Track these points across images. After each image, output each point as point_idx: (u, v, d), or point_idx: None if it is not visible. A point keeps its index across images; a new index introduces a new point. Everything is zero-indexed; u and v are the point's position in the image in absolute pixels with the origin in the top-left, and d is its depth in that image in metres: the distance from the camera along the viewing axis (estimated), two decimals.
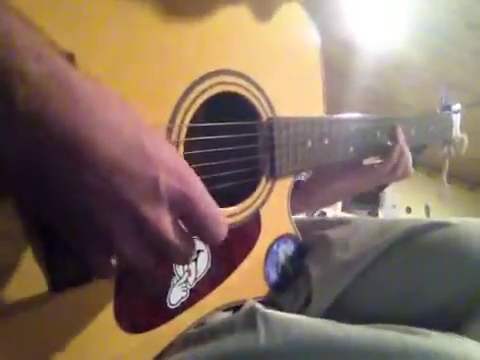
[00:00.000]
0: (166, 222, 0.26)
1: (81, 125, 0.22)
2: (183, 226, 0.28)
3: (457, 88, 1.99)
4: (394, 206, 2.96)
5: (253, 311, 0.41)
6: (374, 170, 0.64)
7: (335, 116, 0.55)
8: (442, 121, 0.79)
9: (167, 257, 0.28)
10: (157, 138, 0.27)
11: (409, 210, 3.03)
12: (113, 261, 0.28)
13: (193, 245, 0.29)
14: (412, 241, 0.44)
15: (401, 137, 0.63)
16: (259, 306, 0.42)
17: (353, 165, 0.64)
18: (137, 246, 0.26)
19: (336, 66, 1.98)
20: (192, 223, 0.28)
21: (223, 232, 0.29)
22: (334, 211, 2.70)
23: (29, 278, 0.29)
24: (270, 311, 0.41)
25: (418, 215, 2.99)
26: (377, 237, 0.48)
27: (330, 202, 0.75)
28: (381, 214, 2.92)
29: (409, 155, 0.64)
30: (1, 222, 0.27)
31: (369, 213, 2.85)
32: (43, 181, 0.22)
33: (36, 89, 0.21)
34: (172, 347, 0.41)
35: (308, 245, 0.56)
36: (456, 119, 0.80)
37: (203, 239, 0.29)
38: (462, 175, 2.96)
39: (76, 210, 0.24)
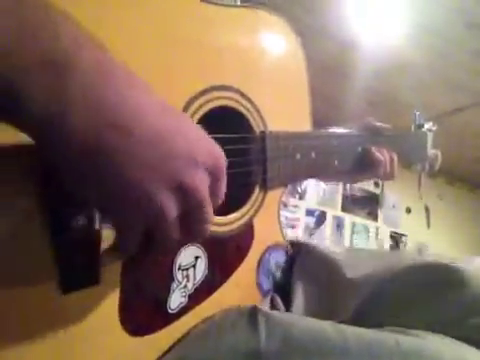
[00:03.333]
0: (206, 189, 0.29)
1: (139, 97, 0.25)
2: None
3: (457, 88, 1.99)
4: (394, 206, 2.96)
5: (255, 311, 0.41)
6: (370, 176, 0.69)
7: (321, 131, 0.59)
8: (418, 138, 0.85)
9: (196, 226, 0.30)
10: (188, 117, 0.31)
11: (409, 210, 3.03)
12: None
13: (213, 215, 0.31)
14: (427, 277, 0.43)
15: (378, 157, 0.66)
16: (261, 307, 0.42)
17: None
18: (177, 211, 0.28)
19: (336, 66, 1.98)
20: (213, 194, 0.30)
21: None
22: (334, 211, 2.70)
23: (39, 279, 0.30)
24: (271, 312, 0.41)
25: (418, 215, 2.99)
26: (380, 263, 0.48)
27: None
28: (381, 214, 2.93)
29: (392, 158, 0.68)
30: (13, 223, 0.28)
31: (369, 213, 2.86)
32: (100, 162, 0.24)
33: (90, 77, 0.22)
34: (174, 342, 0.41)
35: (296, 257, 0.57)
36: (430, 137, 0.86)
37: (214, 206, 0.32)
38: (462, 177, 2.96)
39: (126, 182, 0.25)
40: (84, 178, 0.25)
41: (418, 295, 0.43)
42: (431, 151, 0.86)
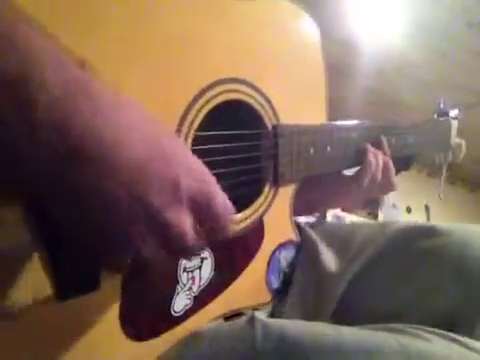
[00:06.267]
0: (187, 225, 0.27)
1: (104, 130, 0.23)
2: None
3: (457, 88, 1.99)
4: (394, 206, 2.96)
5: (253, 318, 0.42)
6: (354, 181, 0.61)
7: (337, 123, 0.55)
8: (440, 127, 0.79)
9: (180, 254, 0.29)
10: (175, 140, 0.28)
11: (409, 210, 3.03)
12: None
13: (204, 243, 0.30)
14: (406, 248, 0.45)
15: (371, 149, 0.60)
16: (259, 315, 0.42)
17: (333, 175, 0.63)
18: (154, 246, 0.26)
19: (336, 66, 1.98)
20: (207, 220, 0.29)
21: (228, 231, 0.31)
22: (334, 211, 2.70)
23: (36, 287, 0.29)
24: (269, 320, 0.42)
25: (418, 215, 2.99)
26: (369, 242, 0.49)
27: (306, 212, 0.73)
28: (381, 214, 2.92)
29: (390, 166, 0.61)
30: (9, 231, 0.27)
31: (369, 213, 2.85)
32: (66, 186, 0.22)
33: (58, 97, 0.21)
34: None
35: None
36: (454, 125, 0.81)
37: (214, 235, 0.30)
38: (463, 176, 2.96)
39: (96, 213, 0.24)
40: (51, 202, 0.23)
41: (394, 274, 0.45)
42: (455, 140, 0.81)
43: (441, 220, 2.90)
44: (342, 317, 0.45)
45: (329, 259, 0.51)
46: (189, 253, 0.29)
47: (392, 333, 0.37)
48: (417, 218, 2.98)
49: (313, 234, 0.59)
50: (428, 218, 3.02)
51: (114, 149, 0.23)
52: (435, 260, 0.42)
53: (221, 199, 0.29)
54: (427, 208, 2.94)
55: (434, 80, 1.99)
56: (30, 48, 0.21)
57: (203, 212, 0.28)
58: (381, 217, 2.95)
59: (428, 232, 0.45)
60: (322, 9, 1.68)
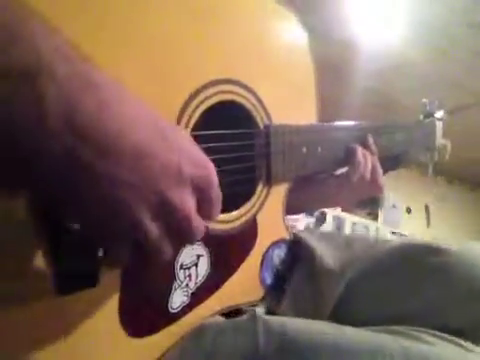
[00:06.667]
0: (190, 207, 0.27)
1: (110, 122, 0.23)
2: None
3: (457, 88, 1.99)
4: (394, 206, 2.96)
5: (254, 316, 0.42)
6: (343, 181, 0.62)
7: (327, 124, 0.56)
8: (426, 128, 0.82)
9: (183, 240, 0.30)
10: (175, 128, 0.29)
11: (409, 210, 3.03)
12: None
13: (204, 227, 0.30)
14: (415, 261, 0.45)
15: (360, 149, 0.60)
16: (260, 313, 0.43)
17: (323, 175, 0.63)
18: (160, 230, 0.27)
19: (336, 66, 1.98)
20: (205, 205, 0.29)
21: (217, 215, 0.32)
22: (334, 211, 2.70)
23: (36, 282, 0.29)
24: (270, 317, 0.42)
25: (418, 215, 2.99)
26: (369, 249, 0.49)
27: (295, 211, 0.72)
28: (381, 214, 2.92)
29: (377, 168, 0.62)
30: (11, 226, 0.27)
31: (369, 213, 2.86)
32: (75, 175, 0.23)
33: (66, 89, 0.22)
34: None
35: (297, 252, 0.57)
36: (439, 126, 0.83)
37: (208, 218, 0.31)
38: (463, 176, 2.96)
39: (104, 201, 0.24)
40: (59, 194, 0.24)
41: (401, 282, 0.45)
42: (440, 141, 0.83)
43: (441, 220, 2.90)
44: (340, 317, 0.45)
45: (328, 257, 0.52)
46: (192, 238, 0.29)
47: (394, 335, 0.37)
48: (417, 218, 2.98)
49: (309, 236, 0.59)
50: (428, 218, 3.02)
51: (119, 139, 0.23)
52: (444, 278, 0.42)
53: (217, 186, 0.30)
54: (427, 208, 2.94)
55: (435, 80, 1.99)
56: (38, 41, 0.21)
57: (203, 197, 0.29)
58: (381, 217, 2.96)
59: (437, 250, 0.44)
60: (322, 9, 1.69)
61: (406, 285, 0.45)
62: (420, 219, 2.97)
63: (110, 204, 0.24)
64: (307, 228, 2.53)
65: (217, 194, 0.30)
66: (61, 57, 0.22)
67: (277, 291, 0.53)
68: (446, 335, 0.37)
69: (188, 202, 0.27)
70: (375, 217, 2.92)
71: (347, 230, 2.77)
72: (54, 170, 0.22)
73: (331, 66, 1.96)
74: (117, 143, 0.23)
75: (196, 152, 0.29)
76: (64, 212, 0.26)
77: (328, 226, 2.66)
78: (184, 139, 0.29)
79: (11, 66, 0.20)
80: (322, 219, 2.60)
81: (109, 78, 0.25)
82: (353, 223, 2.80)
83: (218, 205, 0.30)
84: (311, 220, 2.57)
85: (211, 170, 0.29)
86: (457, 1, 1.54)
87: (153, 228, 0.26)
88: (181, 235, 0.28)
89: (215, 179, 0.29)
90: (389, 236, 2.93)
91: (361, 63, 1.96)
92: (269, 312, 0.51)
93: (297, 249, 0.57)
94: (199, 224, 0.29)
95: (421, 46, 1.83)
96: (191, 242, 0.30)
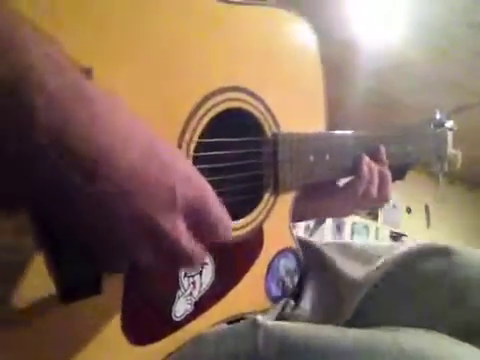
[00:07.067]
0: (181, 232, 0.26)
1: (101, 136, 0.22)
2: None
3: (457, 88, 1.99)
4: (394, 206, 2.96)
5: (255, 321, 0.42)
6: (350, 190, 0.60)
7: (336, 132, 0.56)
8: (438, 138, 0.82)
9: (179, 264, 0.29)
10: (169, 147, 0.28)
11: (409, 210, 3.03)
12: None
13: (203, 250, 0.29)
14: (412, 269, 0.44)
15: (365, 159, 0.58)
16: (261, 320, 0.43)
17: (329, 184, 0.62)
18: (151, 254, 0.26)
19: (336, 66, 1.98)
20: (204, 228, 0.29)
21: (230, 235, 0.30)
22: None
23: (39, 289, 0.29)
24: (270, 322, 0.42)
25: (418, 215, 3.00)
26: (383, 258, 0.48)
27: (299, 219, 0.71)
28: (381, 214, 2.93)
29: (387, 179, 0.60)
30: (13, 235, 0.27)
31: (369, 213, 2.86)
32: (63, 192, 0.22)
33: (56, 101, 0.21)
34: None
35: (307, 262, 0.56)
36: (450, 136, 0.83)
37: (210, 238, 0.30)
38: (462, 176, 2.97)
39: (92, 220, 0.24)
40: (49, 209, 0.23)
41: (407, 289, 0.45)
42: (451, 151, 0.83)
43: (441, 219, 2.91)
44: (356, 326, 0.45)
45: (347, 266, 0.50)
46: (189, 261, 0.28)
47: (389, 332, 0.37)
48: (417, 218, 2.99)
49: (320, 245, 0.58)
50: (428, 218, 3.03)
51: (110, 154, 0.22)
52: (436, 283, 0.42)
53: (217, 206, 0.29)
54: (427, 208, 2.95)
55: (435, 80, 1.99)
56: (29, 51, 0.20)
57: (200, 219, 0.28)
58: (381, 217, 2.96)
59: (433, 252, 0.44)
60: (322, 9, 1.69)
61: (401, 297, 0.44)
62: (420, 219, 2.98)
63: (100, 222, 0.23)
64: (306, 228, 2.55)
65: (216, 214, 0.29)
66: (53, 67, 0.21)
67: (293, 299, 0.52)
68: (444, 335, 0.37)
69: (179, 226, 0.26)
70: (375, 217, 2.92)
71: (347, 230, 2.78)
72: (41, 186, 0.22)
73: (331, 66, 1.95)
74: (108, 159, 0.22)
75: (191, 172, 0.28)
76: (58, 225, 0.25)
77: (328, 226, 2.67)
78: (179, 159, 0.28)
79: (1, 74, 0.19)
80: (321, 221, 2.60)
81: (103, 91, 0.24)
82: (353, 223, 2.81)
83: (220, 224, 0.29)
84: (310, 223, 2.57)
85: (207, 191, 0.28)
86: (457, 1, 1.54)
87: (145, 249, 0.25)
88: (175, 258, 0.28)
89: (212, 200, 0.28)
90: (388, 236, 2.95)
91: (361, 63, 1.96)
92: (281, 318, 0.50)
93: (310, 255, 0.56)
94: (194, 247, 0.27)
95: (421, 46, 1.83)
96: (190, 265, 0.29)
